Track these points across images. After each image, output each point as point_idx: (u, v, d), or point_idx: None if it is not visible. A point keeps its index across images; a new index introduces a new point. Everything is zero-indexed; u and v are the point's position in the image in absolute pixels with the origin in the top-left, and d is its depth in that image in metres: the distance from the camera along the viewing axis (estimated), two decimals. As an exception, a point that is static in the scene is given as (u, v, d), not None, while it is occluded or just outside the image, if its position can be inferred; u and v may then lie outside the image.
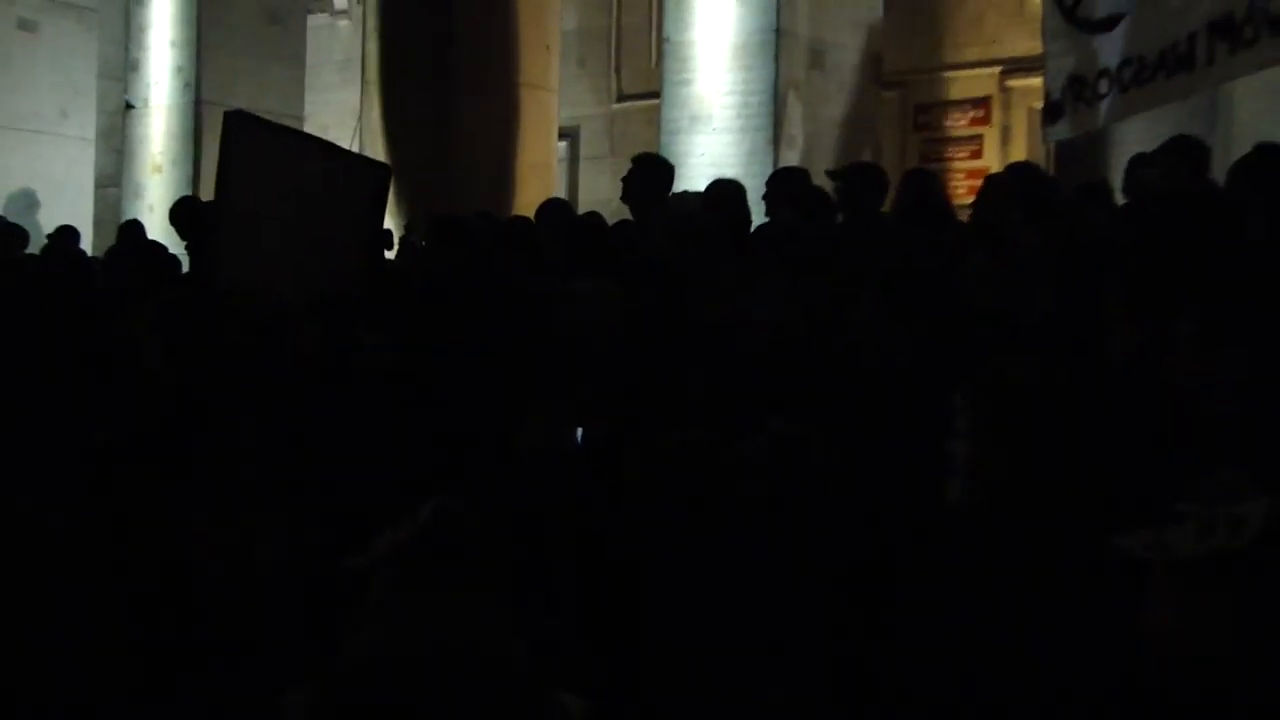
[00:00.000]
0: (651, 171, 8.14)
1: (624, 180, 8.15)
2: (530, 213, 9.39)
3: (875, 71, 12.03)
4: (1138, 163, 7.25)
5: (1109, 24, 7.93)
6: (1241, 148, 8.79)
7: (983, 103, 15.58)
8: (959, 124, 15.74)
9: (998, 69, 15.34)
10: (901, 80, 15.29)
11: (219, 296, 5.94)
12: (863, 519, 3.97)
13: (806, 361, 5.27)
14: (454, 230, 7.84)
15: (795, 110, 11.37)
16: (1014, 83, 15.18)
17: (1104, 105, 7.87)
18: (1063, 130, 8.28)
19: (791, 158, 10.76)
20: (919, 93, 15.85)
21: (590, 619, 3.82)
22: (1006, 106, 15.42)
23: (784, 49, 11.34)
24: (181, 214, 9.44)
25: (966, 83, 15.65)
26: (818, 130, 11.50)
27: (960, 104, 15.72)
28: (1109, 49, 7.90)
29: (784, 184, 7.69)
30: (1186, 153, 6.92)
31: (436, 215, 9.21)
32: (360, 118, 14.25)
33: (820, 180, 8.01)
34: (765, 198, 7.74)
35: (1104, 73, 7.85)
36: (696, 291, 6.10)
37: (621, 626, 3.74)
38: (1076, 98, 8.06)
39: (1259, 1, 6.93)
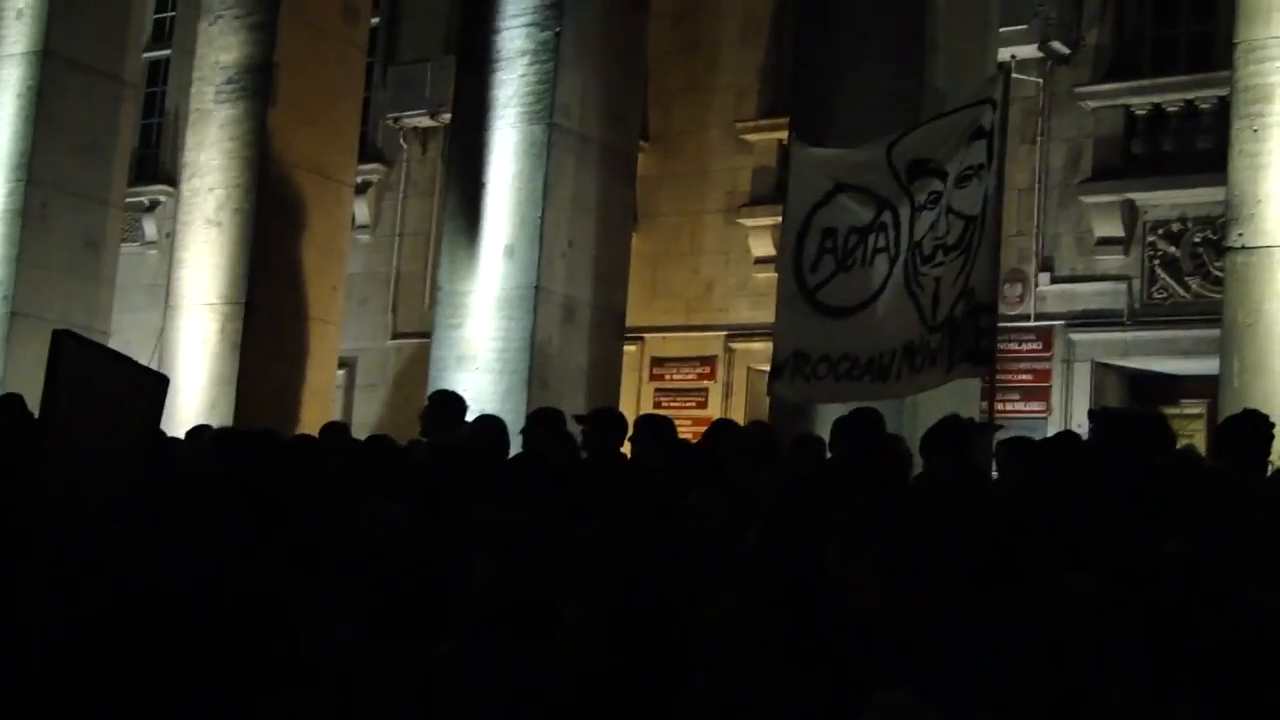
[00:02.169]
0: (446, 405, 8.30)
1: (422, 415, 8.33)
2: (311, 430, 9.32)
3: (619, 327, 12.27)
4: (837, 426, 7.48)
5: (836, 313, 8.26)
6: (926, 410, 9.19)
7: (709, 361, 15.92)
8: (688, 378, 16.04)
9: (723, 333, 15.77)
10: (641, 336, 15.66)
11: (37, 492, 5.75)
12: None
13: (545, 574, 5.26)
14: (237, 442, 7.71)
15: (548, 357, 11.51)
16: (737, 345, 15.63)
17: (822, 386, 8.22)
18: (784, 391, 8.58)
19: (544, 398, 10.82)
20: (655, 348, 16.19)
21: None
22: (729, 365, 15.78)
23: (542, 304, 11.50)
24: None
25: (696, 342, 16.02)
26: (567, 375, 11.63)
27: (690, 360, 16.04)
28: (832, 338, 8.25)
29: (540, 422, 7.76)
30: (868, 421, 7.19)
31: (222, 428, 9.01)
32: (161, 336, 14.02)
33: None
34: (523, 432, 7.81)
35: (825, 358, 8.17)
36: (460, 512, 6.07)
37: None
38: (796, 370, 8.33)
39: (922, 339, 7.61)
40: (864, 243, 8.17)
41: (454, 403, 8.45)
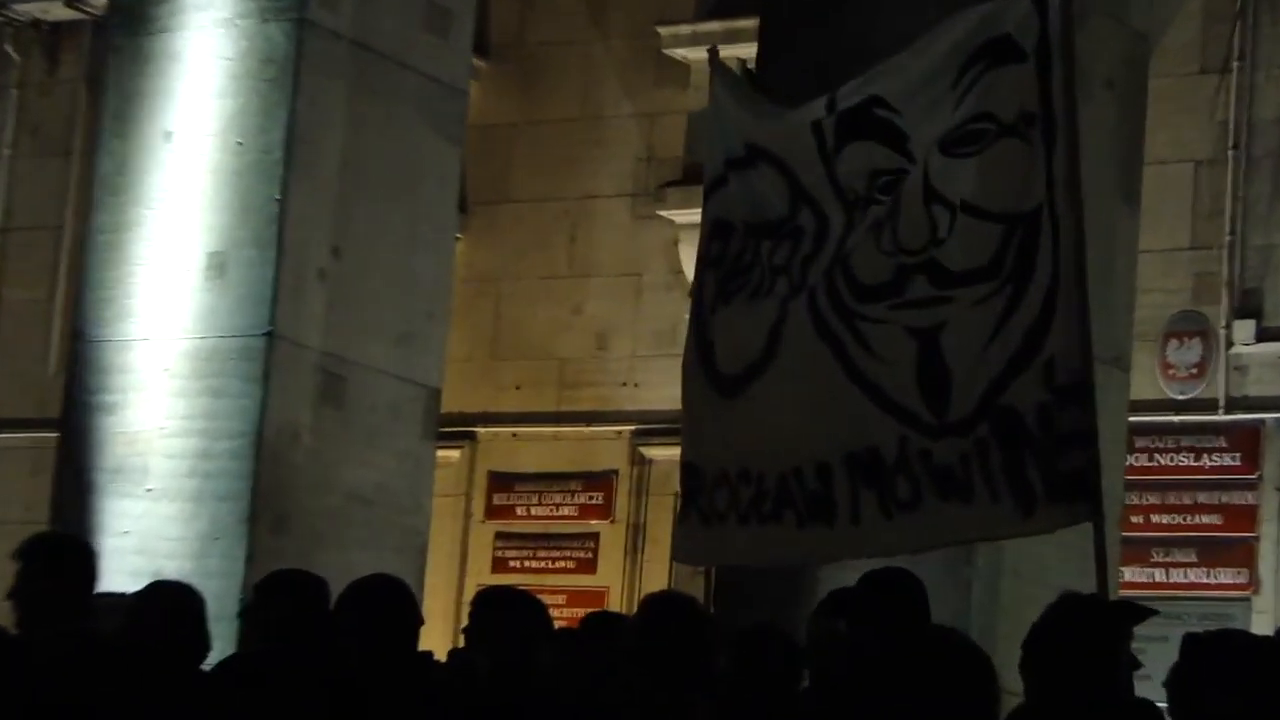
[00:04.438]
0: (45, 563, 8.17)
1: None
2: None
3: (428, 414, 12.20)
4: (828, 608, 7.46)
5: (724, 385, 8.21)
6: (1014, 581, 9.23)
7: (601, 481, 16.04)
8: (562, 511, 16.15)
9: (628, 427, 15.87)
10: (471, 432, 15.78)
11: None
12: None
13: None
14: None
15: (291, 470, 11.41)
16: (655, 451, 15.68)
17: (723, 535, 8.14)
18: (682, 546, 8.73)
19: (280, 550, 10.74)
20: (498, 454, 16.26)
21: None
22: (640, 489, 15.92)
23: (280, 367, 11.38)
24: None
25: (576, 445, 16.10)
26: (327, 505, 11.52)
27: (564, 480, 16.13)
28: (725, 437, 8.22)
29: (274, 597, 7.67)
30: (890, 590, 7.26)
31: None
32: None
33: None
34: (241, 615, 7.72)
35: (722, 478, 8.11)
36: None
37: None
38: (690, 500, 8.33)
39: (915, 441, 7.44)
40: (758, 255, 8.26)
41: (64, 556, 8.32)
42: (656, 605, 7.73)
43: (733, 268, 8.24)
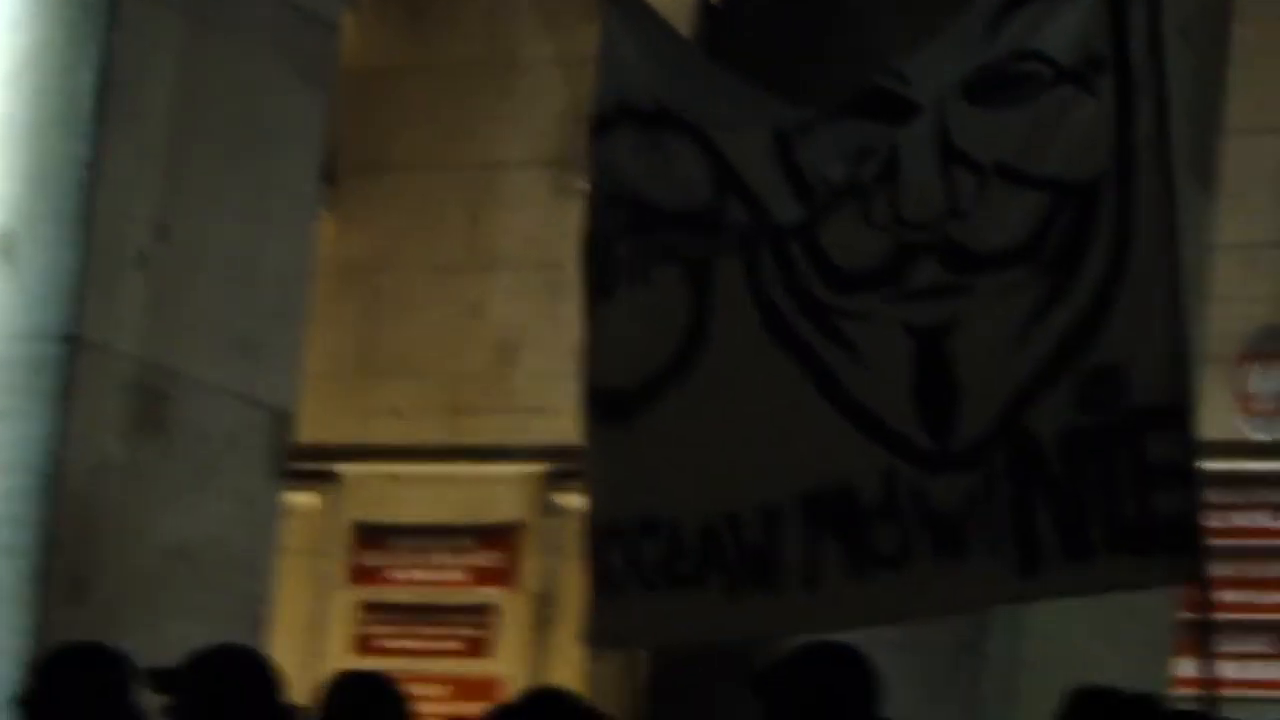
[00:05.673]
0: None
1: None
2: None
3: (278, 446, 12.12)
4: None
5: (611, 406, 8.36)
6: (1039, 671, 9.25)
7: (499, 535, 16.12)
8: (449, 575, 16.21)
9: (539, 466, 15.91)
10: (331, 471, 15.86)
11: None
12: None
13: None
14: None
15: (98, 512, 11.31)
16: (575, 498, 14.93)
17: (627, 605, 8.28)
18: (596, 628, 8.62)
19: (83, 622, 10.68)
20: (367, 501, 16.31)
21: None
22: (553, 548, 15.87)
23: (83, 380, 11.27)
24: None
25: (471, 488, 16.15)
26: (141, 563, 11.43)
27: (456, 534, 16.20)
28: (627, 467, 8.36)
29: (62, 674, 7.71)
30: (822, 669, 7.22)
31: None
32: None
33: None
34: (26, 703, 7.70)
35: (616, 532, 8.29)
36: None
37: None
38: (609, 567, 8.38)
39: (907, 476, 7.52)
40: (652, 238, 8.38)
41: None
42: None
43: (618, 249, 8.20)
